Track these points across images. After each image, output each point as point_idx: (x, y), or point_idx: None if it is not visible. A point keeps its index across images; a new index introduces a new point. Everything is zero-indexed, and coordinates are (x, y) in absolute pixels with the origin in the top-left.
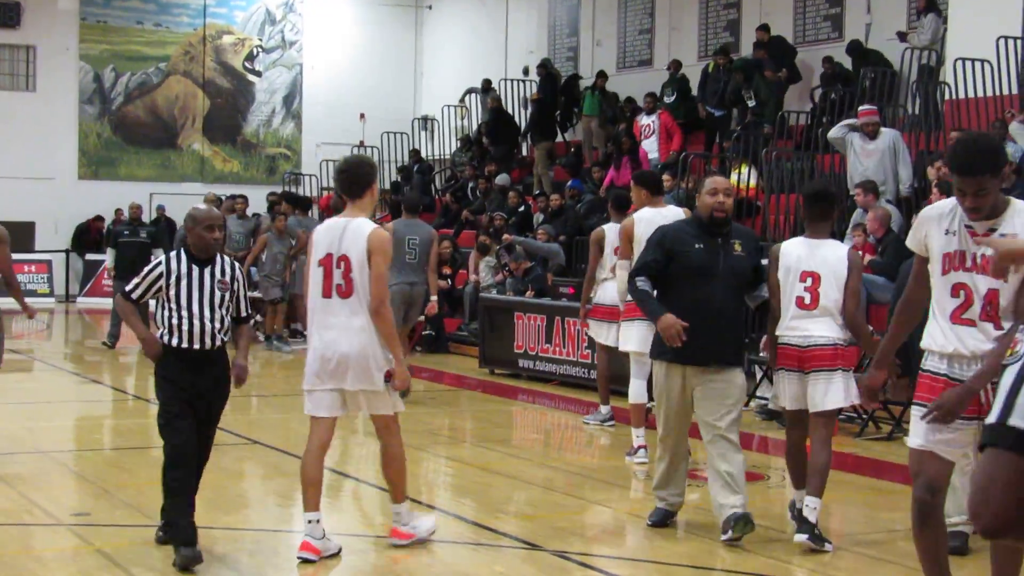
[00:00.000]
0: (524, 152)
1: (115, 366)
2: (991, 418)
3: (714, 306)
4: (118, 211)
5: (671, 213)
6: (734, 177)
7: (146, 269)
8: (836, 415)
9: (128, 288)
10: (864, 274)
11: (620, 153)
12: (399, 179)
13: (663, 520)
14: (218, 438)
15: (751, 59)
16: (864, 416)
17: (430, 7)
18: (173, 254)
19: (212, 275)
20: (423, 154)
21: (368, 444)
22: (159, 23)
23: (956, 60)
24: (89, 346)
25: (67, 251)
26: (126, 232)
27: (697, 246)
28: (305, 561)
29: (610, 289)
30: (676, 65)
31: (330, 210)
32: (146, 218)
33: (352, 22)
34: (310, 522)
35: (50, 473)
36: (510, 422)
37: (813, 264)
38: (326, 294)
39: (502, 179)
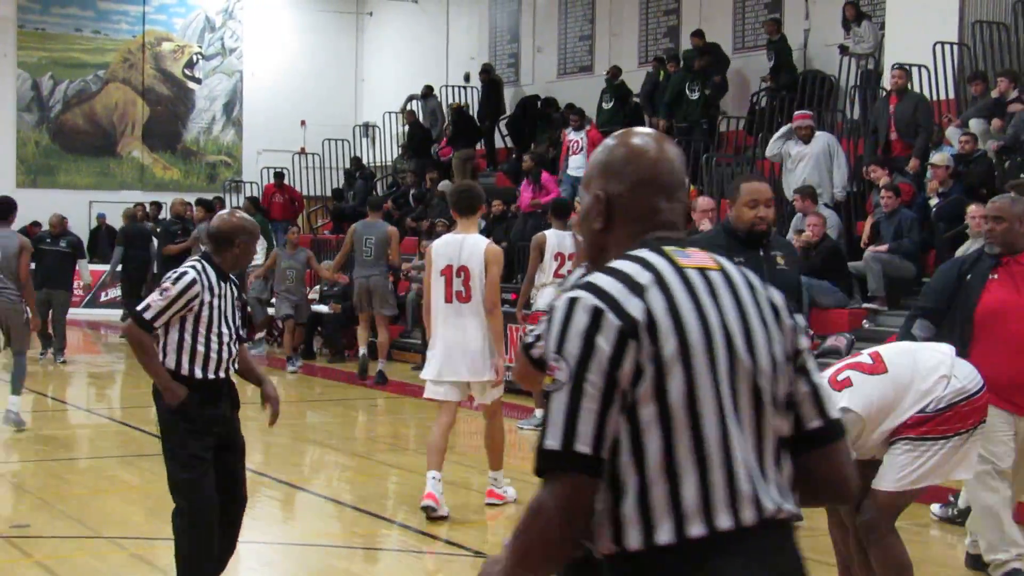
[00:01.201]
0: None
1: (53, 376)
2: (556, 443)
3: None
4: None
5: None
6: None
7: (176, 287)
8: None
9: (149, 315)
10: (806, 278)
11: (523, 172)
12: (340, 186)
13: None
14: (157, 449)
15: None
16: None
17: (371, 14)
18: (199, 267)
19: (232, 292)
20: (365, 161)
21: (312, 453)
22: (98, 30)
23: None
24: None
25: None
26: (47, 240)
27: (736, 260)
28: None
29: (548, 294)
30: (615, 71)
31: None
32: (86, 227)
33: (292, 29)
34: (433, 478)
35: None
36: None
37: None
38: (448, 300)
39: (444, 185)
